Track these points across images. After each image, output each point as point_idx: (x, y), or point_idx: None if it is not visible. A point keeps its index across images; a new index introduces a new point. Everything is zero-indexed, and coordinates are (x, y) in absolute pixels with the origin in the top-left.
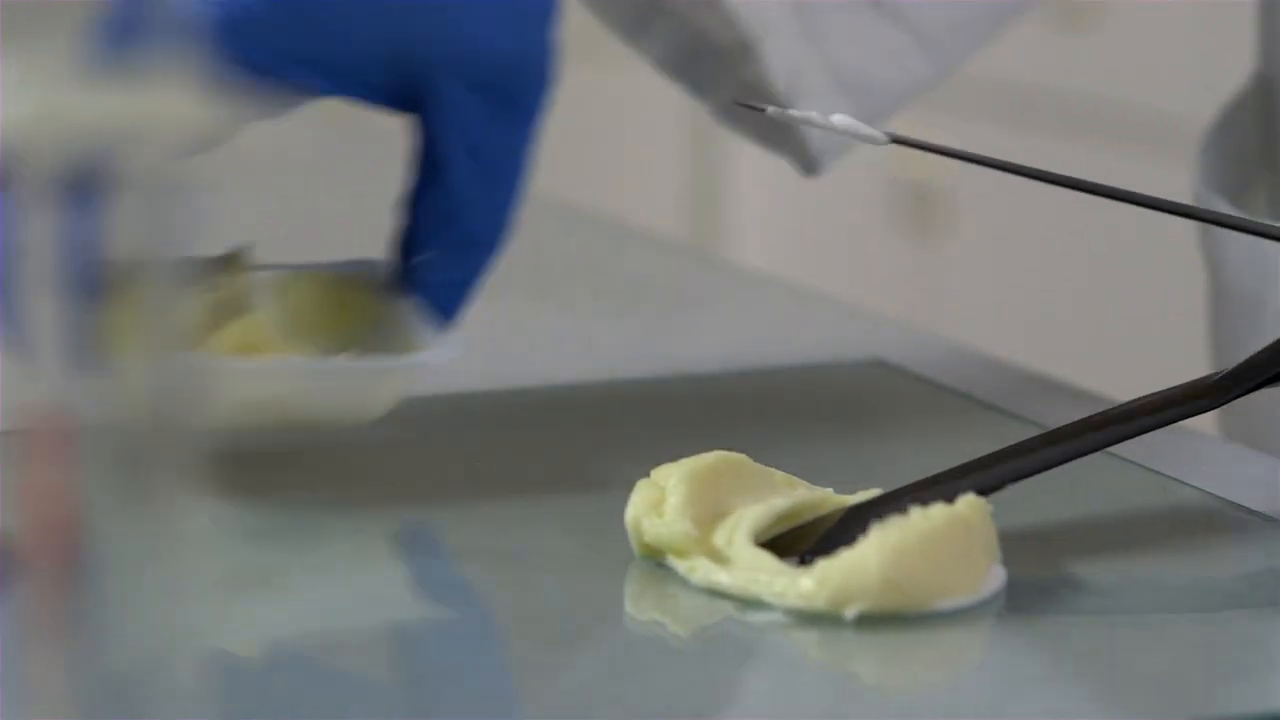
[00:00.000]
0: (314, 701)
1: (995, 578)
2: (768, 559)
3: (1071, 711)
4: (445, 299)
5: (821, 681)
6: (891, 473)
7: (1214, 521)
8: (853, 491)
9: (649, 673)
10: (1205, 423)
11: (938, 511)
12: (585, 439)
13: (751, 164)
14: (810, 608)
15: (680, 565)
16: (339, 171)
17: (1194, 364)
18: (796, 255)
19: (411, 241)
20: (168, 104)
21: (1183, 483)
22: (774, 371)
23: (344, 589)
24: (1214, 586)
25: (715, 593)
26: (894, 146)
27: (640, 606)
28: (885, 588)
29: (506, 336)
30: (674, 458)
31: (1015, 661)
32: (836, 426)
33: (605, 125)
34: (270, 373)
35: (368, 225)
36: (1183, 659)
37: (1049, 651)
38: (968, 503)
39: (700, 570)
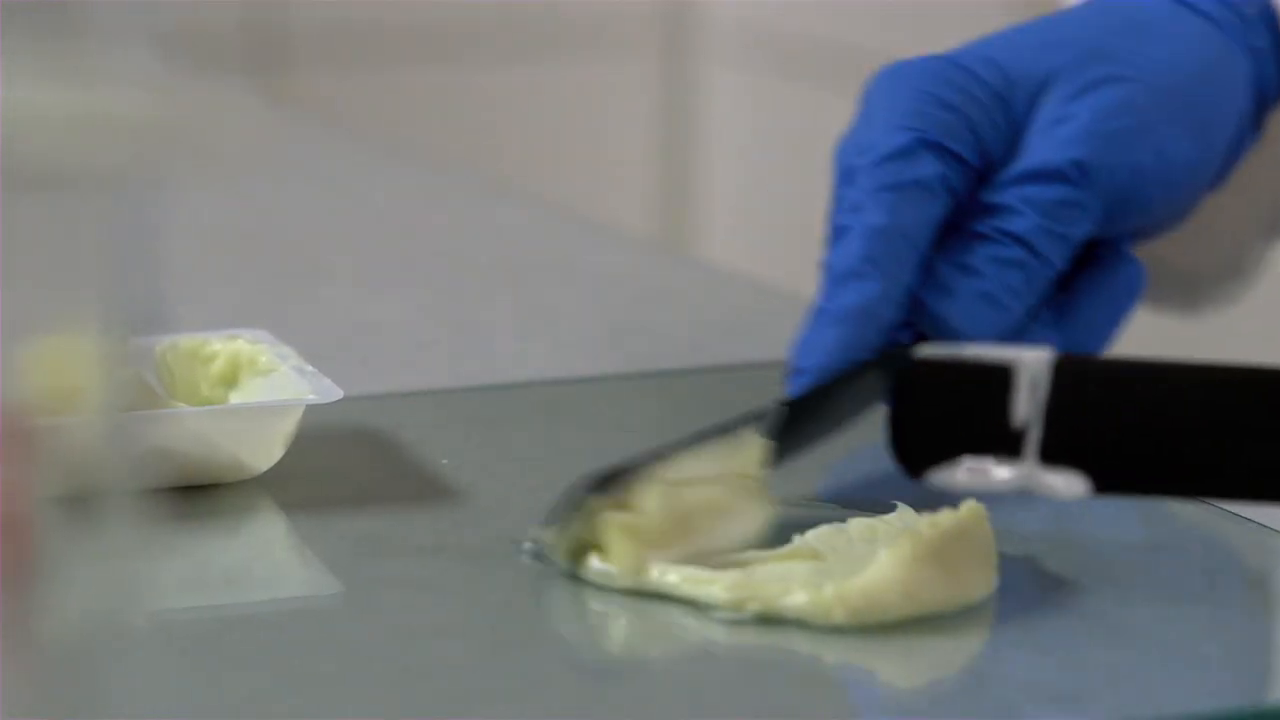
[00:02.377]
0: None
1: (991, 583)
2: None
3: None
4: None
5: (840, 688)
6: (857, 469)
7: (1189, 520)
8: (818, 488)
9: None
10: None
11: (945, 519)
12: (549, 436)
13: (721, 160)
14: (830, 622)
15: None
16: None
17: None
18: (765, 251)
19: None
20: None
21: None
22: (742, 368)
23: (272, 576)
24: (1195, 586)
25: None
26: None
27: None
28: (906, 603)
29: (471, 332)
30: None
31: (1017, 662)
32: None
33: (574, 120)
34: (158, 422)
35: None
36: (1180, 658)
37: (1042, 653)
38: (970, 509)
39: (658, 574)
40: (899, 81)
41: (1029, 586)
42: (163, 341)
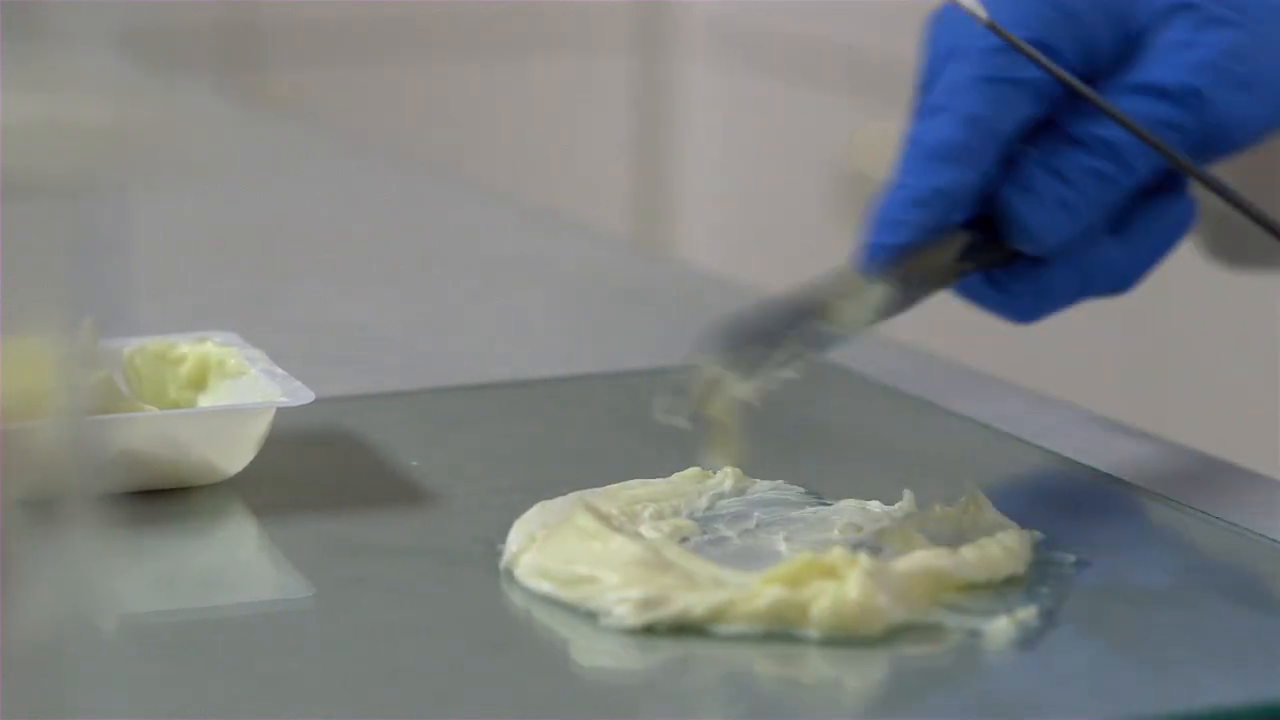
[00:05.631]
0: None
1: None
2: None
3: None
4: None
5: (817, 690)
6: (833, 470)
7: (1161, 520)
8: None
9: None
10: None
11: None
12: (521, 436)
13: (696, 157)
14: (842, 627)
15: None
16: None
17: (1126, 358)
18: (741, 250)
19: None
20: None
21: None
22: None
23: (239, 576)
24: (1167, 587)
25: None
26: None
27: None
28: (914, 610)
29: (443, 332)
30: (618, 456)
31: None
32: (779, 423)
33: (549, 117)
34: (129, 425)
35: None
36: (1153, 659)
37: (1016, 654)
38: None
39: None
40: None
41: (1004, 587)
42: (130, 344)
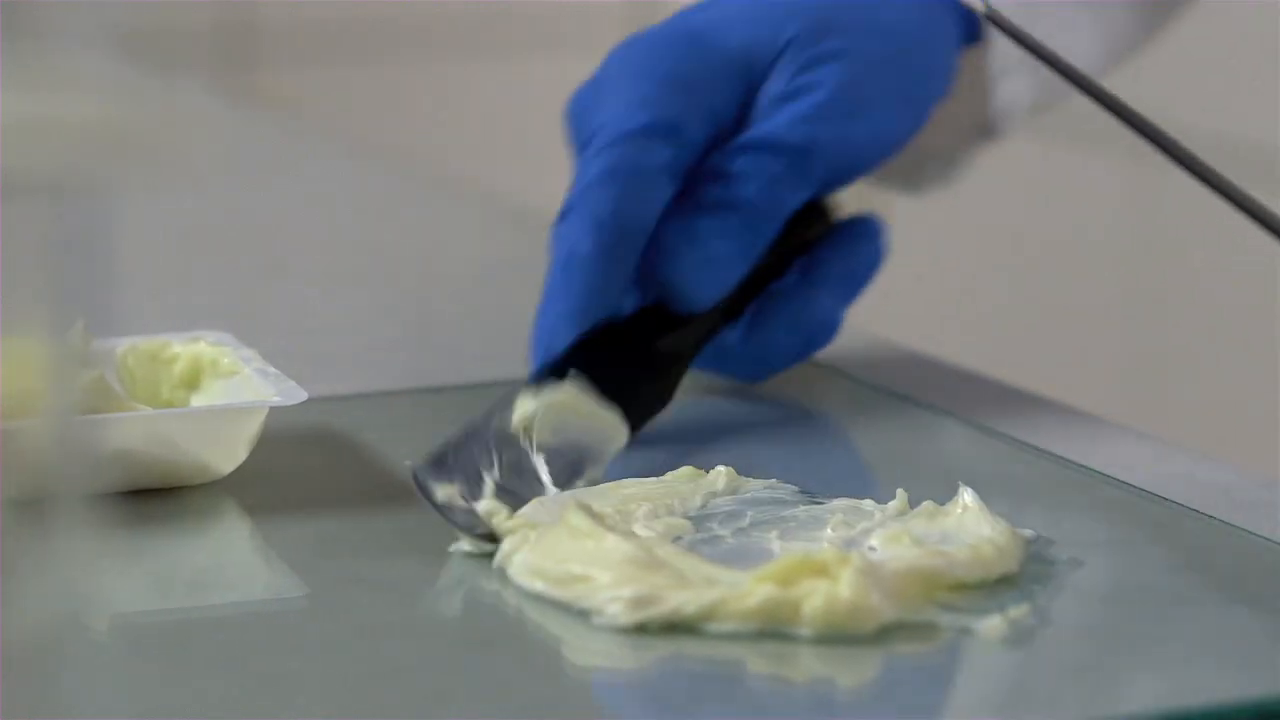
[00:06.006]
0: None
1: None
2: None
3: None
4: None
5: (807, 689)
6: (826, 469)
7: (1155, 519)
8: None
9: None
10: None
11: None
12: None
13: None
14: (835, 625)
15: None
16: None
17: (1120, 360)
18: None
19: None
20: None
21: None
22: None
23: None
24: (1160, 585)
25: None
26: None
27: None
28: (907, 609)
29: (436, 332)
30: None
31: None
32: (773, 422)
33: (546, 118)
34: (123, 425)
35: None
36: (1147, 657)
37: (1007, 652)
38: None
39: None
40: (639, 54)
41: (996, 586)
42: (123, 343)
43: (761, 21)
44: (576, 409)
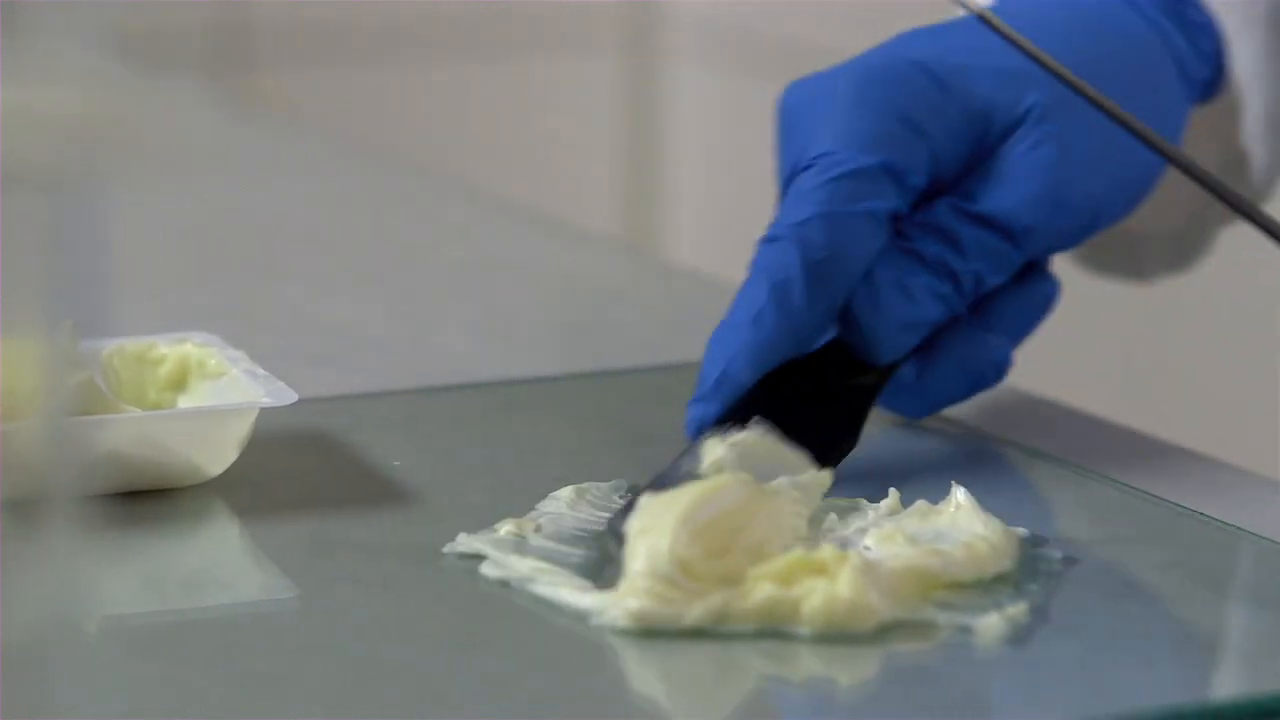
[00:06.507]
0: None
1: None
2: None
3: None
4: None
5: (802, 688)
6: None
7: (1145, 516)
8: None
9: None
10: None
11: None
12: (504, 436)
13: (686, 158)
14: (834, 624)
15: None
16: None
17: (1116, 366)
18: (731, 250)
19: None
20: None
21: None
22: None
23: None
24: (1151, 583)
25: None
26: None
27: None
28: (905, 608)
29: (428, 332)
30: (603, 455)
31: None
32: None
33: (539, 117)
34: (112, 426)
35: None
36: (1135, 654)
37: (999, 649)
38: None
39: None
40: (875, 85)
41: (993, 585)
42: (109, 344)
43: (1004, 79)
44: (766, 452)
